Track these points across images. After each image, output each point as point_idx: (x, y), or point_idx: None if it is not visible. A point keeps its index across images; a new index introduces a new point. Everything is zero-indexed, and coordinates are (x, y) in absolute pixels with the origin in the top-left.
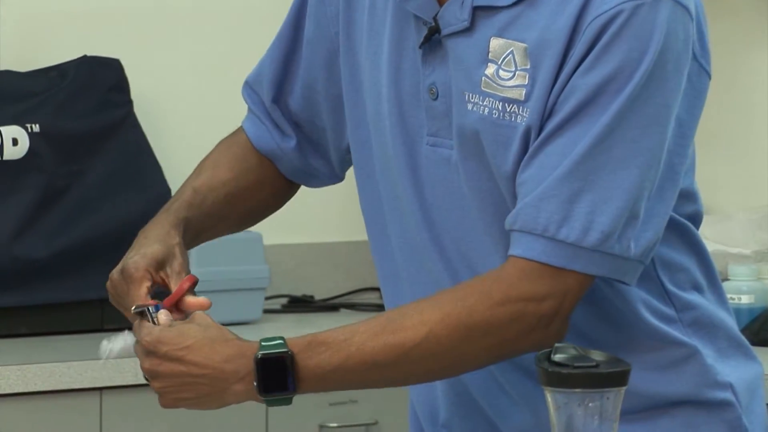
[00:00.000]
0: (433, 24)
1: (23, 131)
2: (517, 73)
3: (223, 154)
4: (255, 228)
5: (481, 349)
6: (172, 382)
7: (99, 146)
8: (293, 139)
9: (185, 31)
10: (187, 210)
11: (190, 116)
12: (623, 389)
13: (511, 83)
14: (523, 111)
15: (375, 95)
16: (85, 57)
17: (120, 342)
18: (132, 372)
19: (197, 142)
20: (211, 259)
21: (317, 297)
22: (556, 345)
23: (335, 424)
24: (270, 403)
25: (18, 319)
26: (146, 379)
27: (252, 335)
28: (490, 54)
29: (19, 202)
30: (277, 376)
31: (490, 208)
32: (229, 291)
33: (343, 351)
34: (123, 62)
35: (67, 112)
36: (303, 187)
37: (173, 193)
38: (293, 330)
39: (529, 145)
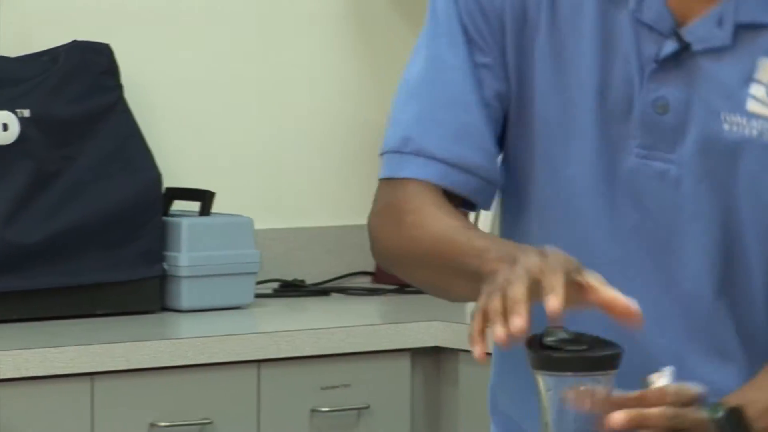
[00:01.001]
0: (677, 38)
1: (13, 116)
2: None
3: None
4: (246, 212)
5: None
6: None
7: (89, 131)
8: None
9: (176, 16)
10: None
11: (181, 101)
12: (614, 372)
13: None
14: None
15: (557, 96)
16: (75, 42)
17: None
18: (123, 357)
19: (187, 127)
20: (201, 243)
21: (308, 281)
22: (547, 327)
23: (327, 408)
24: None
25: (9, 305)
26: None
27: (243, 319)
28: (757, 74)
29: (10, 187)
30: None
31: (709, 228)
32: (220, 276)
33: None
34: (113, 47)
35: (57, 97)
36: (292, 171)
37: (163, 178)
38: (285, 314)
39: None
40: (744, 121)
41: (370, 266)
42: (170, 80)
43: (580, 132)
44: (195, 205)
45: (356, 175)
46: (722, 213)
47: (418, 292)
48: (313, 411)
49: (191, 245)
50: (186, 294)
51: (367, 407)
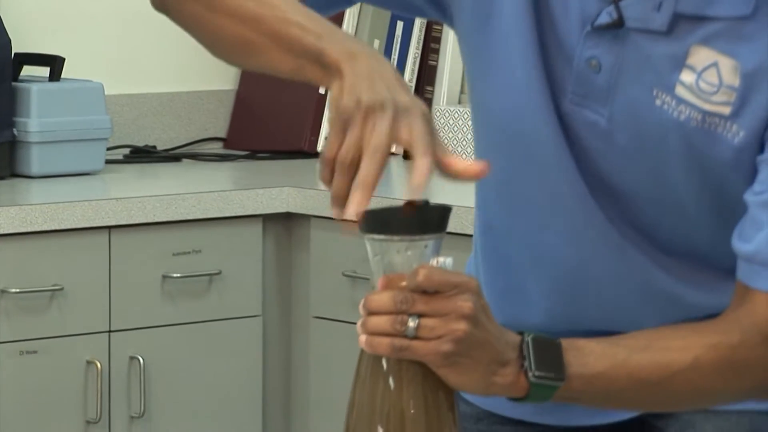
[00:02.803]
0: (616, 9)
1: None
2: (722, 89)
3: None
4: (97, 78)
5: (735, 388)
6: (478, 334)
7: None
8: None
9: None
10: None
11: None
12: (442, 235)
13: (715, 98)
14: (728, 125)
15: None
16: None
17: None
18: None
19: None
20: (52, 109)
21: (159, 147)
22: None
23: (179, 274)
24: (536, 390)
25: None
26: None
27: (94, 186)
28: (689, 60)
29: None
30: (547, 359)
31: (641, 180)
32: (70, 141)
33: (608, 359)
34: None
35: None
36: (144, 36)
37: (12, 43)
38: (136, 180)
39: (739, 158)
40: (673, 103)
41: (222, 132)
42: None
43: (514, 70)
44: (45, 71)
45: None
46: (653, 170)
47: (270, 158)
48: (165, 277)
49: (41, 111)
50: (36, 160)
51: (219, 273)
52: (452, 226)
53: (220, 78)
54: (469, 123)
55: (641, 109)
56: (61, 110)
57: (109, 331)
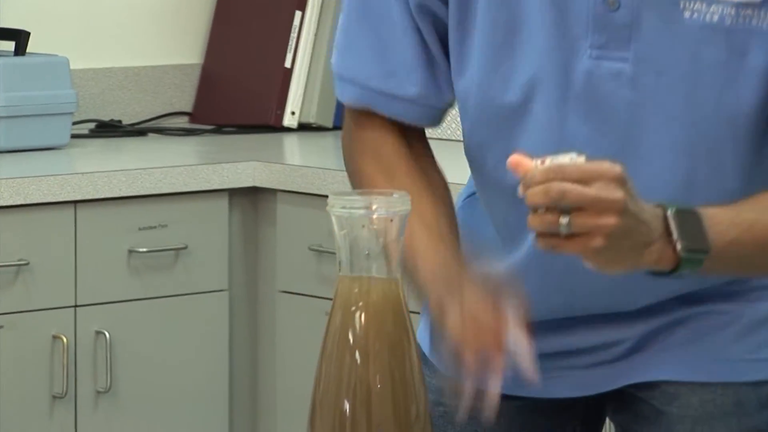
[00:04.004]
0: None
1: None
2: None
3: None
4: (61, 52)
5: None
6: (626, 223)
7: None
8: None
9: None
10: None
11: None
12: (407, 210)
13: None
14: (761, 14)
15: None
16: None
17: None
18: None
19: None
20: (16, 84)
21: (125, 121)
22: None
23: (145, 249)
24: (685, 264)
25: None
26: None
27: (60, 160)
28: None
29: None
30: (692, 231)
31: (671, 125)
32: (35, 116)
33: (737, 226)
34: None
35: None
36: (109, 11)
37: None
38: (102, 155)
39: None
40: (704, 6)
41: (188, 106)
42: None
43: (529, 35)
44: (9, 45)
45: (173, 15)
46: (685, 108)
47: (236, 132)
48: (131, 251)
49: (6, 85)
50: (1, 134)
51: (185, 247)
52: None
53: (186, 52)
54: None
55: (669, 31)
56: (26, 84)
57: (75, 306)
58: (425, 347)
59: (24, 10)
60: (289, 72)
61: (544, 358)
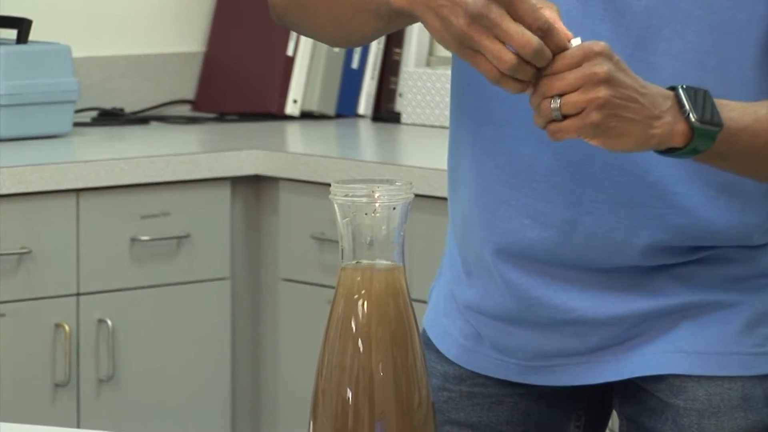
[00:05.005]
0: None
1: None
2: None
3: None
4: (63, 40)
5: None
6: (620, 94)
7: None
8: None
9: None
10: None
11: None
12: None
13: None
14: None
15: None
16: None
17: None
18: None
19: None
20: (18, 72)
21: (127, 110)
22: None
23: (147, 237)
24: (698, 137)
25: None
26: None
27: (62, 148)
28: None
29: None
30: (703, 106)
31: (684, 32)
32: (37, 104)
33: (750, 115)
34: None
35: None
36: None
37: None
38: (104, 143)
39: None
40: None
41: (190, 94)
42: None
43: None
44: (12, 33)
45: (175, 3)
46: (702, 10)
47: (239, 120)
48: (133, 240)
49: (8, 74)
50: (3, 123)
51: (188, 236)
52: (422, 188)
53: (188, 40)
54: (438, 85)
55: None
56: (29, 73)
57: (78, 294)
58: (430, 334)
59: None
60: (291, 60)
61: (546, 349)
